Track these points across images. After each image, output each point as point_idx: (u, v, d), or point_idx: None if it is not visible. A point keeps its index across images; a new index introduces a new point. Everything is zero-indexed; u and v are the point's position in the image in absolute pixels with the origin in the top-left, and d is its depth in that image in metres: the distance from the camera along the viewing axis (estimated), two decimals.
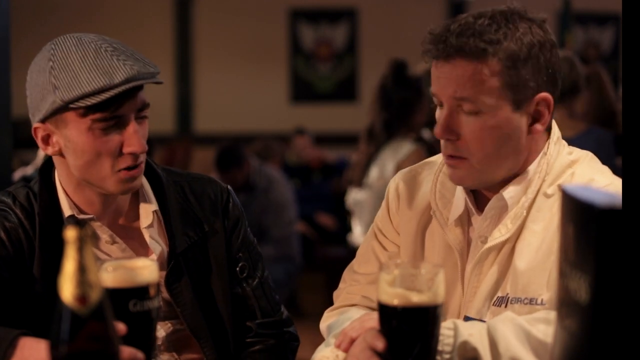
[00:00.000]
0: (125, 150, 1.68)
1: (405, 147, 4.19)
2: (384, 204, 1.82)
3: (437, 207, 1.69)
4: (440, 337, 1.37)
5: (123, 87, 1.62)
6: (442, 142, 1.60)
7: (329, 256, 6.68)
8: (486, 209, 1.64)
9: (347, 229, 6.58)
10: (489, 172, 1.60)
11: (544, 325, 1.43)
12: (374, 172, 4.23)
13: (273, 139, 7.03)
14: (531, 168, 1.62)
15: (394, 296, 1.31)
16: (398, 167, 4.19)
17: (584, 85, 3.81)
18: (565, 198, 1.00)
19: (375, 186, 4.23)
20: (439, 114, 1.60)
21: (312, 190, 7.40)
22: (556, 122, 1.70)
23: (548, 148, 1.63)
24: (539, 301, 1.55)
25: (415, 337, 1.31)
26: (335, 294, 1.86)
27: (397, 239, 1.78)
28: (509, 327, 1.44)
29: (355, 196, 4.46)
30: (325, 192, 7.46)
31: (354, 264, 1.85)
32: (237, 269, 1.87)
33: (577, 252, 0.95)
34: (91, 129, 1.65)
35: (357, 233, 4.49)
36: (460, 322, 1.45)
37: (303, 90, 9.29)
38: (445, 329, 1.42)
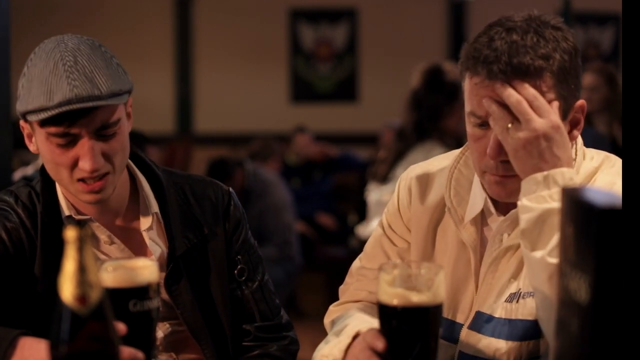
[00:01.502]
0: (79, 165, 1.67)
1: (436, 151, 4.16)
2: (393, 199, 1.82)
3: (452, 204, 1.69)
4: None
5: (57, 110, 1.62)
6: (491, 162, 1.56)
7: (329, 256, 6.69)
8: (512, 212, 1.61)
9: (348, 229, 6.59)
10: None
11: None
12: (399, 171, 4.21)
13: (273, 139, 7.03)
14: None
15: (393, 296, 1.31)
16: None
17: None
18: (565, 198, 1.00)
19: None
20: (480, 133, 1.57)
21: (313, 189, 7.38)
22: None
23: (576, 156, 1.63)
24: None
25: (415, 337, 1.31)
26: (342, 289, 1.86)
27: (406, 235, 1.79)
28: None
29: (376, 192, 4.42)
30: (325, 190, 7.45)
31: (362, 258, 1.85)
32: (236, 271, 1.87)
33: (577, 252, 0.95)
34: (48, 140, 1.67)
35: (372, 227, 4.44)
36: None
37: (303, 90, 9.29)
38: None
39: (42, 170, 1.80)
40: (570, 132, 1.59)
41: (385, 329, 1.34)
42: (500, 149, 1.54)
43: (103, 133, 1.67)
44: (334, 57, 9.31)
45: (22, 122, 1.74)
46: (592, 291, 0.91)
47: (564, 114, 1.55)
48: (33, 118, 1.65)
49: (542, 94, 1.51)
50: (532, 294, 1.58)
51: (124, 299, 1.32)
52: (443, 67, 4.28)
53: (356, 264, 1.87)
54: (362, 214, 5.41)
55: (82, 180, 1.69)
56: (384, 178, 4.30)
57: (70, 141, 1.66)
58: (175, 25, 9.13)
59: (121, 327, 1.22)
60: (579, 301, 0.94)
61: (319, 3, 9.29)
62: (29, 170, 3.49)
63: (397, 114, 4.61)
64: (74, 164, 1.68)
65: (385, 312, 1.33)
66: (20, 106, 1.69)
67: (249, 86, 9.13)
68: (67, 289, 1.08)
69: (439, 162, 1.80)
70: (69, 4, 8.86)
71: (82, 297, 1.08)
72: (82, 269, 1.08)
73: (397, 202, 1.81)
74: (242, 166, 5.48)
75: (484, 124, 1.56)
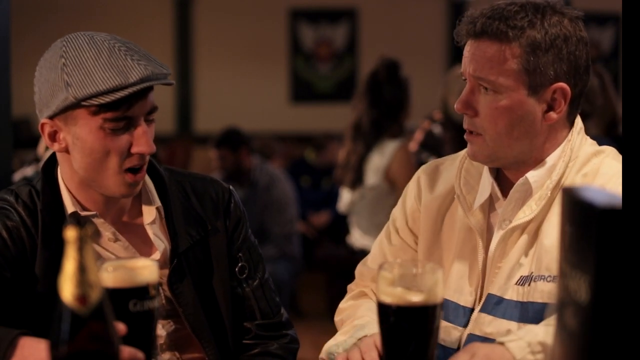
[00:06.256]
0: (134, 150, 1.68)
1: (389, 147, 4.20)
2: (401, 198, 1.89)
3: (461, 192, 1.76)
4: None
5: (137, 87, 1.63)
6: (464, 117, 1.69)
7: (329, 256, 6.68)
8: (511, 192, 1.69)
9: (347, 229, 6.59)
10: (501, 150, 1.67)
11: None
12: (370, 179, 4.23)
13: (273, 139, 7.02)
14: (554, 154, 1.69)
15: (393, 295, 1.31)
16: (386, 173, 4.20)
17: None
18: (565, 198, 1.00)
19: (369, 195, 4.24)
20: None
21: (320, 195, 7.34)
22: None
23: (572, 136, 1.70)
24: None
25: (414, 336, 1.32)
26: (349, 287, 1.92)
27: (406, 231, 1.84)
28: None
29: (348, 199, 4.44)
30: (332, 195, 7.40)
31: (368, 259, 1.92)
32: (237, 269, 1.87)
33: (577, 252, 0.95)
34: (102, 128, 1.66)
35: (357, 236, 4.48)
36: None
37: (303, 90, 9.29)
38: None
39: (44, 167, 1.79)
40: (546, 113, 1.66)
41: (385, 328, 1.35)
42: (465, 100, 1.66)
43: (149, 118, 1.71)
44: (334, 57, 9.31)
45: (45, 120, 1.70)
46: (592, 291, 0.91)
47: (531, 89, 1.63)
48: (101, 100, 1.62)
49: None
50: (543, 277, 1.62)
51: (124, 299, 1.32)
52: (398, 61, 4.32)
53: (362, 264, 1.92)
54: None
55: (130, 170, 1.69)
56: (354, 184, 4.32)
57: (124, 126, 1.67)
58: (175, 25, 9.14)
59: (121, 327, 1.22)
60: (579, 301, 0.94)
61: (319, 3, 9.29)
62: (29, 171, 3.49)
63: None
64: (126, 151, 1.68)
65: (384, 311, 1.34)
66: (78, 91, 1.62)
67: (249, 86, 9.14)
68: (67, 289, 1.08)
69: (450, 158, 1.88)
70: (69, 4, 8.87)
71: (82, 297, 1.08)
72: (82, 269, 1.08)
73: (404, 199, 1.88)
74: (246, 149, 5.46)
75: (465, 81, 1.69)
